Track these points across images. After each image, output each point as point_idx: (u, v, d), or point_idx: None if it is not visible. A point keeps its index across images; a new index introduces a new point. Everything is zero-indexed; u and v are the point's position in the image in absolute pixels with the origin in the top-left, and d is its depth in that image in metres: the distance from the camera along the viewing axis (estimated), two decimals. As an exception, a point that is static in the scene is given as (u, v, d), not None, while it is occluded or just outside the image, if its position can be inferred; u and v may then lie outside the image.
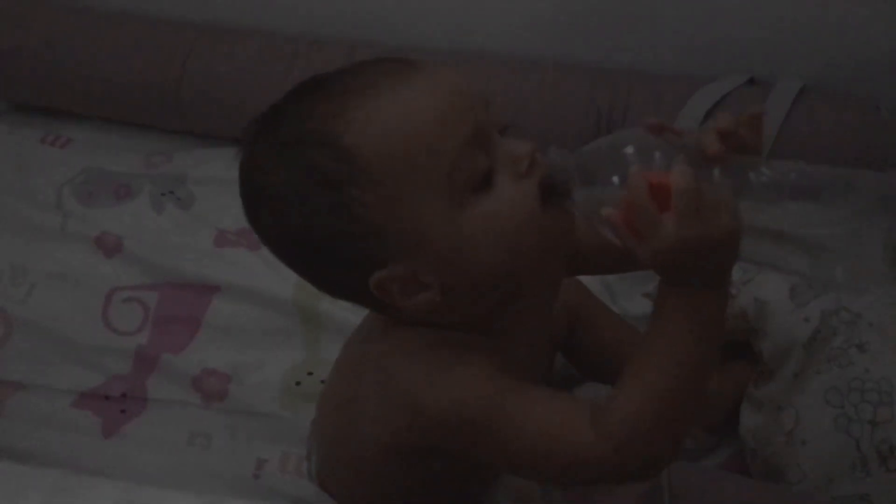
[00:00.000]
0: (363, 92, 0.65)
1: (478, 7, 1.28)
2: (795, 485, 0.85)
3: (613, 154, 0.65)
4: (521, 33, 1.28)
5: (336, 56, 1.26)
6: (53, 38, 1.34)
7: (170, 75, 1.31)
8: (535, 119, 1.22)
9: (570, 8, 1.24)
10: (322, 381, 0.98)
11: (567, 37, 1.27)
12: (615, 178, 0.63)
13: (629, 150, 0.64)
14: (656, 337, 0.65)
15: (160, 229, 1.19)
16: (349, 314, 1.00)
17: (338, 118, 0.65)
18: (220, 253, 1.15)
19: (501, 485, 0.91)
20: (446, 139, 0.64)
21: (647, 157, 0.63)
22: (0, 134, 1.34)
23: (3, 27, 1.36)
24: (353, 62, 0.69)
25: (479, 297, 0.70)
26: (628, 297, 1.08)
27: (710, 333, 0.64)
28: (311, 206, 0.66)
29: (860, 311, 0.88)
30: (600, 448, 0.64)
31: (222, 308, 1.11)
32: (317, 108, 0.66)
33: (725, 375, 0.98)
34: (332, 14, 1.33)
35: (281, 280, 1.06)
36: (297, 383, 1.04)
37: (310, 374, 1.04)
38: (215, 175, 1.22)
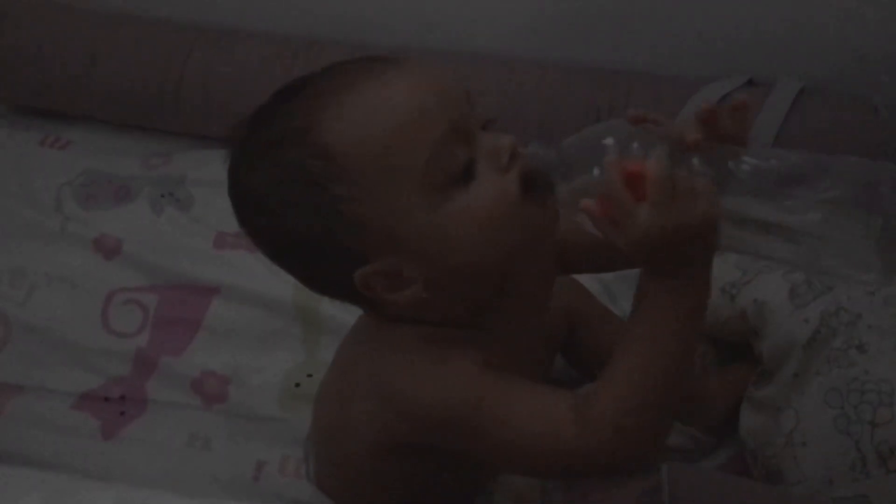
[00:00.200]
0: (340, 91, 0.66)
1: (478, 8, 1.28)
2: (795, 486, 0.85)
3: (593, 145, 0.65)
4: (521, 34, 1.28)
5: (336, 57, 1.23)
6: (53, 40, 1.34)
7: (169, 77, 1.31)
8: (535, 120, 1.22)
9: (570, 8, 1.24)
10: (322, 383, 0.98)
11: (567, 37, 1.27)
12: (595, 170, 0.64)
13: (609, 140, 0.64)
14: (637, 327, 0.65)
15: (159, 231, 1.19)
16: (349, 316, 1.00)
17: (316, 117, 0.66)
18: (220, 254, 1.15)
19: (500, 486, 0.91)
20: (423, 134, 0.65)
21: (626, 147, 0.64)
22: (-1, 136, 1.34)
23: (2, 29, 1.36)
24: (333, 63, 0.70)
25: (464, 292, 0.70)
26: (628, 297, 1.06)
27: (691, 323, 0.65)
28: (292, 204, 0.67)
29: (860, 312, 0.88)
30: (583, 440, 0.65)
31: (222, 310, 1.11)
32: (297, 109, 0.67)
33: (725, 377, 0.98)
34: (331, 15, 1.33)
35: (281, 282, 1.05)
36: (297, 385, 1.04)
37: (309, 376, 1.04)
38: (214, 177, 1.20)
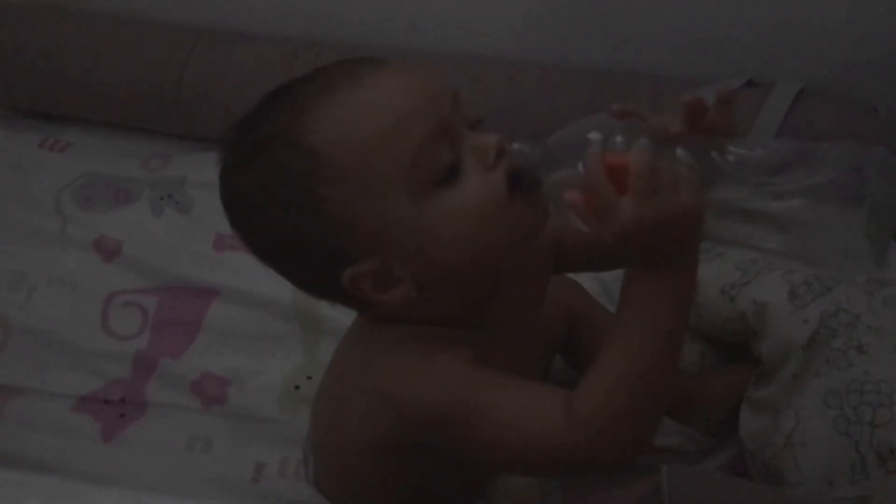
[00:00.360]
0: (325, 93, 0.67)
1: (477, 9, 1.28)
2: (795, 487, 0.85)
3: (578, 140, 0.65)
4: (521, 35, 1.29)
5: (335, 59, 1.25)
6: (52, 42, 1.34)
7: (169, 79, 1.31)
8: (535, 121, 1.22)
9: (569, 10, 1.24)
10: (321, 385, 0.98)
11: (567, 38, 1.27)
12: (580, 164, 0.64)
13: (593, 134, 0.64)
14: (624, 322, 0.65)
15: (159, 233, 1.19)
16: (348, 318, 0.99)
17: (301, 119, 0.66)
18: (220, 257, 1.15)
19: (499, 487, 0.91)
20: (407, 134, 0.65)
21: (610, 141, 0.64)
22: (-2, 138, 1.34)
23: (1, 31, 1.36)
24: (320, 66, 0.71)
25: (455, 291, 0.71)
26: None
27: (678, 316, 0.65)
28: (279, 205, 0.67)
29: (859, 313, 0.88)
30: (571, 436, 0.65)
31: (221, 312, 1.11)
32: (283, 112, 0.68)
33: (725, 377, 0.98)
34: (330, 17, 1.33)
35: (280, 284, 1.03)
36: (297, 387, 1.04)
37: (309, 378, 1.04)
38: (214, 178, 1.19)
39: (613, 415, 0.64)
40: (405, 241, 0.67)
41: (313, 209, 0.66)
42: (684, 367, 1.00)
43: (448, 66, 1.26)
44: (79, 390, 1.05)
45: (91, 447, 1.00)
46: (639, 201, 0.61)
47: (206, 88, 1.30)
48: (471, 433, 0.68)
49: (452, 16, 1.30)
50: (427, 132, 0.65)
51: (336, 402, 0.82)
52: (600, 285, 1.07)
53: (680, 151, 0.63)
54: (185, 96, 1.31)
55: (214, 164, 0.73)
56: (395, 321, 0.72)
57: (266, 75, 1.27)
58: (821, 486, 0.84)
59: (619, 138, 0.64)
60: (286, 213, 0.67)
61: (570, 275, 0.97)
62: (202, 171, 1.25)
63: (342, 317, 1.03)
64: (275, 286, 1.08)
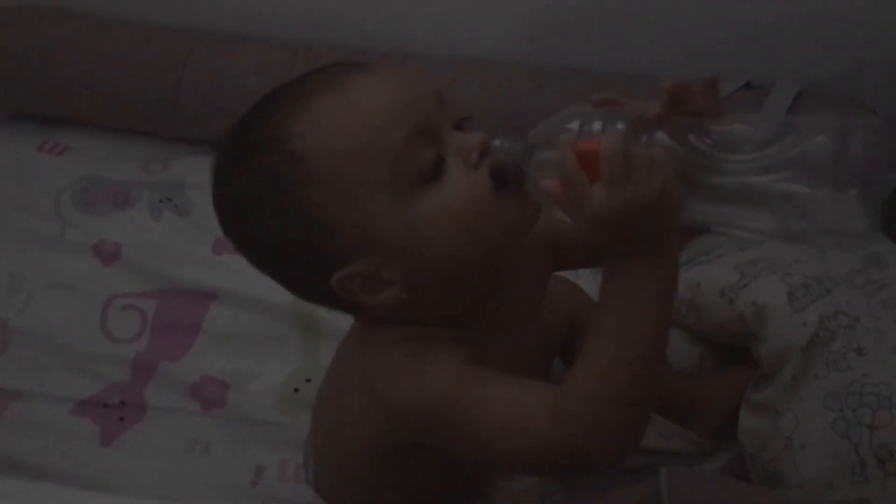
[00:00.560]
0: (308, 97, 0.67)
1: (476, 12, 1.28)
2: (794, 489, 0.85)
3: (559, 131, 0.65)
4: (519, 38, 1.29)
5: (334, 62, 1.26)
6: (52, 45, 1.34)
7: (168, 82, 1.31)
8: (534, 122, 1.21)
9: (567, 12, 1.24)
10: (321, 388, 0.98)
11: (565, 41, 1.27)
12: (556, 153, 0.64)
13: (573, 125, 0.64)
14: (605, 315, 0.65)
15: (158, 236, 1.19)
16: (348, 321, 0.99)
17: (285, 124, 0.67)
18: (219, 260, 1.15)
19: (499, 489, 0.91)
20: (388, 135, 0.65)
21: (586, 127, 0.64)
22: (-2, 142, 1.34)
23: (1, 33, 1.36)
24: (299, 72, 0.72)
25: (446, 291, 0.71)
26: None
27: (659, 306, 0.64)
28: (266, 211, 0.68)
29: (858, 315, 0.88)
30: (557, 431, 0.64)
31: (221, 315, 1.11)
32: (269, 117, 0.68)
33: (724, 380, 0.98)
34: (329, 20, 1.33)
35: (279, 287, 1.05)
36: (296, 390, 1.04)
37: (308, 381, 1.04)
38: None
39: (597, 410, 0.63)
40: (392, 242, 0.67)
41: (299, 213, 0.67)
42: (684, 369, 1.00)
43: (447, 68, 1.26)
44: (78, 394, 1.05)
45: (90, 451, 1.00)
46: (611, 187, 0.60)
47: (205, 91, 1.30)
48: (461, 431, 0.68)
49: (452, 18, 1.30)
50: (407, 133, 0.65)
51: (334, 405, 0.83)
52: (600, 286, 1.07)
53: (660, 135, 0.62)
54: (184, 99, 1.31)
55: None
56: (389, 322, 0.73)
57: (265, 78, 1.27)
58: (820, 489, 0.84)
59: (596, 125, 0.64)
60: (273, 217, 0.68)
61: (570, 277, 0.97)
62: (201, 173, 1.24)
63: (341, 319, 1.02)
64: (274, 289, 1.07)
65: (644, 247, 0.63)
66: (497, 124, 1.20)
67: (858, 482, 0.82)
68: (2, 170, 1.28)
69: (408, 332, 0.72)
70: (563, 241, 0.84)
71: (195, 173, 1.25)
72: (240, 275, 1.12)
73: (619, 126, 0.63)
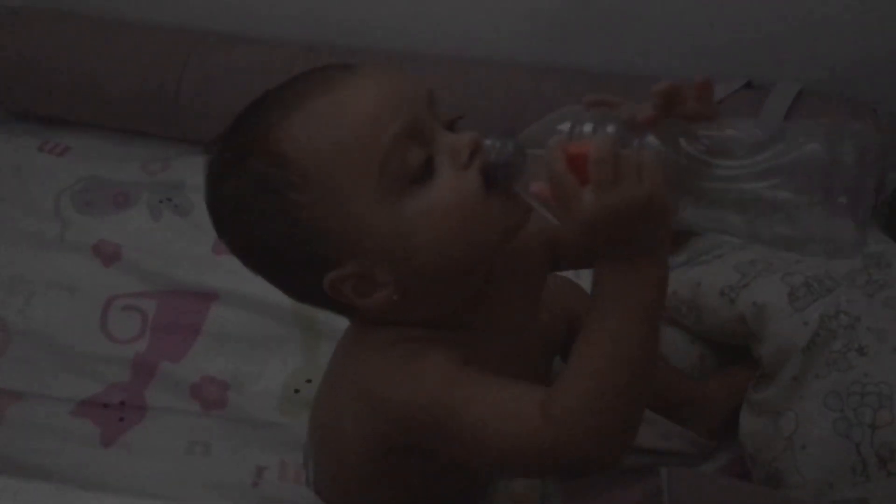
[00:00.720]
0: (297, 100, 0.67)
1: (475, 13, 1.28)
2: (795, 489, 0.85)
3: (550, 132, 0.65)
4: (520, 38, 1.29)
5: (334, 63, 1.26)
6: (52, 46, 1.34)
7: (168, 82, 1.31)
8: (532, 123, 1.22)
9: (567, 12, 1.24)
10: (321, 389, 0.98)
11: (564, 41, 1.27)
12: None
13: (564, 126, 0.64)
14: (594, 316, 0.65)
15: (159, 237, 1.19)
16: (348, 321, 1.00)
17: (275, 127, 0.67)
18: (219, 260, 1.15)
19: (499, 489, 0.91)
20: (376, 136, 0.65)
21: (577, 129, 0.63)
22: (-2, 142, 1.34)
23: (1, 34, 1.36)
24: (293, 74, 0.72)
25: (438, 292, 0.70)
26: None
27: (649, 308, 0.64)
28: (257, 214, 0.68)
29: (859, 315, 0.88)
30: (546, 434, 0.64)
31: (221, 315, 1.11)
32: (260, 120, 0.68)
33: (724, 380, 0.98)
34: (329, 20, 1.33)
35: (279, 287, 1.06)
36: (296, 391, 1.04)
37: (308, 381, 1.04)
38: None
39: (588, 411, 0.63)
40: (382, 244, 0.67)
41: (290, 216, 0.67)
42: (684, 369, 1.00)
43: (447, 68, 1.26)
44: (78, 394, 1.05)
45: (91, 451, 1.00)
46: (600, 190, 0.60)
47: (205, 92, 1.30)
48: (453, 433, 0.67)
49: (452, 19, 1.30)
50: (396, 134, 0.65)
51: (330, 406, 0.83)
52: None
53: (651, 139, 0.62)
54: (184, 100, 1.31)
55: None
56: (383, 324, 0.72)
57: (265, 79, 1.25)
58: (821, 489, 0.84)
59: (587, 127, 0.63)
60: (265, 220, 0.68)
61: (571, 277, 0.97)
62: (201, 174, 1.24)
63: (341, 320, 1.02)
64: (274, 289, 1.06)
65: (633, 250, 0.63)
66: (497, 124, 1.19)
67: (860, 482, 0.82)
68: (2, 170, 1.29)
69: (401, 333, 0.72)
70: (562, 242, 0.83)
71: (195, 174, 1.24)
72: (240, 275, 1.11)
73: (610, 128, 0.62)
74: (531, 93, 1.23)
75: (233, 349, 1.08)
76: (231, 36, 1.34)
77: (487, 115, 1.21)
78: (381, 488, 0.81)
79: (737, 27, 1.20)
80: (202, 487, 0.97)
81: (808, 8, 1.16)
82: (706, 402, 0.96)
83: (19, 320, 1.11)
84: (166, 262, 1.15)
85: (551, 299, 0.86)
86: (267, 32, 1.34)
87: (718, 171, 0.61)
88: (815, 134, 0.59)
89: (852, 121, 0.59)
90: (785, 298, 0.91)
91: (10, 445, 1.00)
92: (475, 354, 0.70)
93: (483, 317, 0.75)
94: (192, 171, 1.26)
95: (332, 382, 0.84)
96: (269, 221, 0.68)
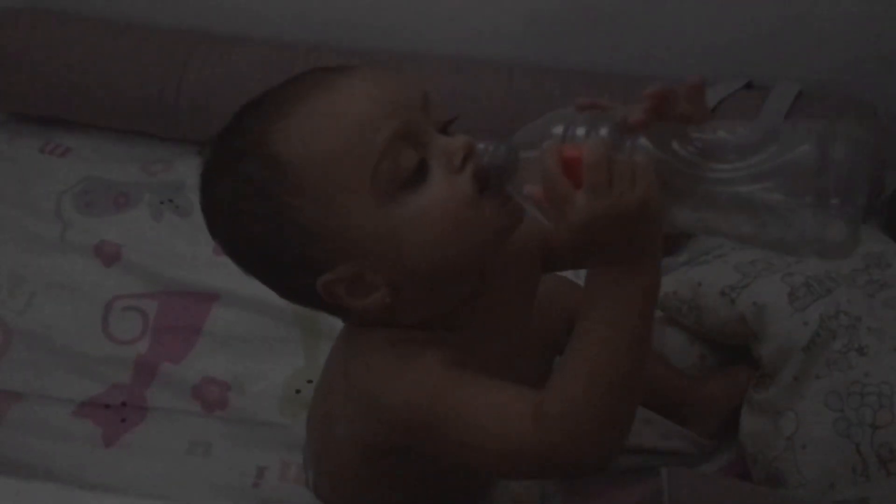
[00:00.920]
0: (290, 102, 0.67)
1: (475, 13, 1.28)
2: (796, 489, 0.85)
3: (543, 134, 0.65)
4: (520, 38, 1.29)
5: (334, 64, 1.26)
6: (52, 47, 1.34)
7: (168, 83, 1.31)
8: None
9: (566, 12, 1.24)
10: (321, 390, 0.98)
11: (564, 41, 1.27)
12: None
13: (557, 129, 0.64)
14: (586, 320, 0.65)
15: (159, 237, 1.19)
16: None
17: (268, 130, 0.67)
18: (220, 261, 1.14)
19: (500, 489, 0.91)
20: (368, 139, 0.65)
21: (570, 132, 0.63)
22: (-1, 143, 1.34)
23: (2, 36, 1.36)
24: (290, 76, 0.71)
25: (431, 295, 0.71)
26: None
27: (640, 313, 0.64)
28: (250, 215, 0.68)
29: (860, 315, 0.88)
30: (537, 438, 0.64)
31: (222, 316, 1.11)
32: (254, 123, 0.69)
33: (725, 380, 0.98)
34: (329, 21, 1.33)
35: (280, 288, 1.06)
36: (297, 391, 1.04)
37: (309, 381, 1.04)
38: None
39: (578, 415, 0.64)
40: (375, 246, 0.67)
41: (283, 218, 0.67)
42: (684, 369, 1.00)
43: (446, 68, 1.26)
44: (79, 395, 1.05)
45: (92, 452, 1.00)
46: (593, 194, 0.60)
47: (206, 93, 1.30)
48: (445, 434, 0.68)
49: (451, 19, 1.30)
50: (389, 137, 0.65)
51: (325, 408, 0.83)
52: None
53: (643, 141, 0.62)
54: (185, 101, 1.31)
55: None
56: (378, 325, 0.72)
57: (265, 79, 1.25)
58: (822, 489, 0.84)
59: (580, 130, 0.63)
60: (258, 222, 0.68)
61: (571, 275, 0.97)
62: (202, 175, 1.25)
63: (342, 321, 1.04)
64: (275, 290, 1.08)
65: (625, 254, 0.63)
66: (496, 124, 1.20)
67: (860, 482, 0.82)
68: (3, 171, 1.29)
69: (395, 334, 0.72)
70: (555, 242, 0.83)
71: (196, 175, 1.24)
72: (241, 276, 1.11)
73: (603, 131, 0.62)
74: (531, 93, 1.23)
75: (234, 350, 1.08)
76: (231, 37, 1.34)
77: (487, 116, 1.21)
78: (381, 489, 0.81)
79: (737, 27, 1.20)
80: (203, 488, 0.97)
81: (808, 8, 1.16)
82: (706, 402, 0.96)
83: (20, 321, 1.11)
84: (167, 262, 1.15)
85: (552, 300, 0.86)
86: (267, 33, 1.34)
87: (710, 173, 0.61)
88: (806, 136, 0.59)
89: (844, 121, 0.59)
90: (785, 298, 0.91)
91: (11, 446, 1.00)
92: (470, 356, 0.70)
93: (477, 318, 0.75)
94: (192, 172, 1.24)
95: (328, 384, 0.84)
96: (262, 223, 0.68)
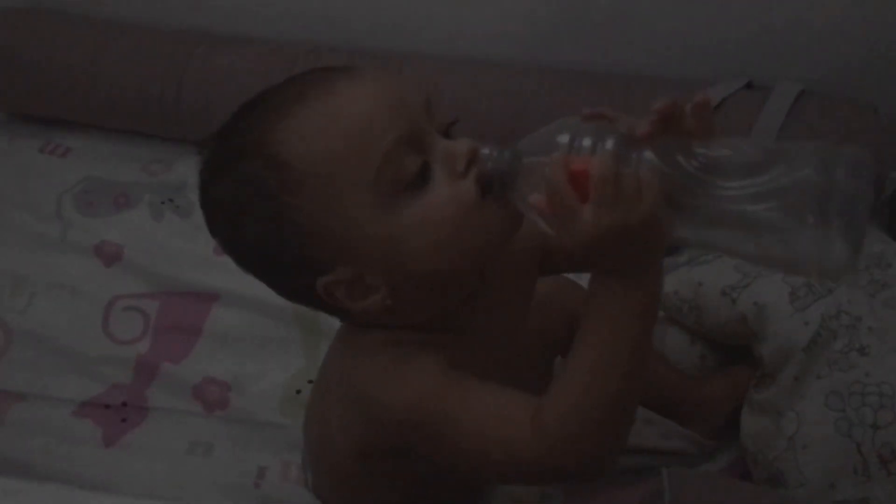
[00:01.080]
0: (293, 103, 0.67)
1: (475, 13, 1.28)
2: (797, 489, 0.85)
3: (548, 143, 0.64)
4: (519, 39, 1.29)
5: (334, 64, 1.26)
6: (53, 47, 1.34)
7: (169, 84, 1.31)
8: (533, 124, 1.21)
9: (567, 12, 1.24)
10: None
11: (565, 41, 1.27)
12: (546, 168, 0.63)
13: (562, 137, 0.64)
14: (587, 331, 0.65)
15: (160, 238, 1.19)
16: (348, 322, 1.00)
17: (270, 130, 0.67)
18: (220, 261, 1.14)
19: (500, 489, 0.91)
20: (370, 143, 0.65)
21: (576, 143, 0.63)
22: (-1, 144, 1.34)
23: (2, 35, 1.36)
24: (291, 75, 0.71)
25: (430, 297, 0.71)
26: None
27: (641, 324, 0.64)
28: (251, 215, 0.68)
29: (860, 315, 0.88)
30: (536, 445, 0.64)
31: (222, 316, 1.11)
32: (255, 122, 0.68)
33: (726, 380, 0.98)
34: (330, 21, 1.33)
35: (281, 288, 1.06)
36: (298, 391, 1.05)
37: (310, 382, 1.04)
38: None
39: (575, 423, 0.64)
40: (375, 249, 0.67)
41: (282, 219, 0.67)
42: (685, 369, 1.00)
43: (447, 68, 1.26)
44: (80, 395, 1.05)
45: (92, 452, 1.00)
46: (600, 208, 0.60)
47: (207, 93, 1.30)
48: (440, 438, 0.68)
49: (452, 19, 1.30)
50: (392, 140, 0.65)
51: (322, 409, 0.83)
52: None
53: (648, 154, 0.62)
54: (186, 101, 1.31)
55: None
56: (376, 327, 0.72)
57: (266, 80, 1.24)
58: (823, 489, 0.84)
59: (586, 141, 0.63)
60: (258, 222, 0.68)
61: (571, 276, 0.97)
62: (202, 175, 1.25)
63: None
64: (275, 290, 1.08)
65: (627, 267, 0.63)
66: (497, 124, 1.20)
67: (861, 482, 0.82)
68: (3, 171, 1.29)
69: (393, 336, 0.72)
70: (552, 245, 0.83)
71: (196, 174, 1.25)
72: (241, 276, 1.11)
73: (609, 143, 0.62)
74: (531, 93, 1.23)
75: (234, 350, 1.08)
76: (232, 37, 1.34)
77: (488, 116, 1.21)
78: (379, 490, 0.81)
79: (737, 27, 1.20)
80: (204, 488, 0.97)
81: (808, 8, 1.16)
82: (707, 402, 0.96)
83: (21, 321, 1.11)
84: (168, 262, 1.15)
85: (550, 299, 0.86)
86: (267, 33, 1.34)
87: (713, 190, 0.61)
88: (810, 157, 0.59)
89: (847, 144, 0.59)
90: (786, 298, 0.91)
91: (12, 446, 1.00)
92: (469, 357, 0.70)
93: (476, 319, 0.75)
94: (193, 172, 1.23)
95: (325, 384, 0.84)
96: (263, 224, 0.68)
